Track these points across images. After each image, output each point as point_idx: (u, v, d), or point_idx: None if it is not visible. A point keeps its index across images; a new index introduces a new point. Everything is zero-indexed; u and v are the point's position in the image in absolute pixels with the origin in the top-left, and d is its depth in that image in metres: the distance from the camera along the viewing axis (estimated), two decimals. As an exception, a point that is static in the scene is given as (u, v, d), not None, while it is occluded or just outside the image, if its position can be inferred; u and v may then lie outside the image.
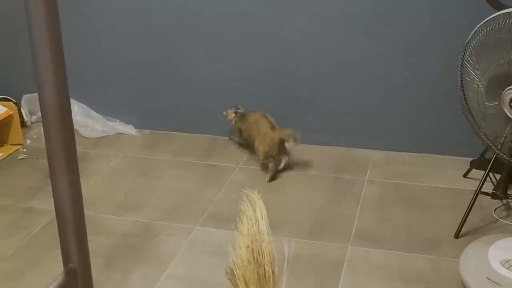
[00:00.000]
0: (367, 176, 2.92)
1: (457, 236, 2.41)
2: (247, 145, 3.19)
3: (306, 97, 3.18)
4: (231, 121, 3.18)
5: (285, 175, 2.96)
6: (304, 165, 3.05)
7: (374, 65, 3.02)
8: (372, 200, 2.72)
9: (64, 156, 0.86)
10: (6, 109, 3.20)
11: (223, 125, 3.28)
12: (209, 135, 3.38)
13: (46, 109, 0.81)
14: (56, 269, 2.19)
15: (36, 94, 2.93)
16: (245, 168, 3.04)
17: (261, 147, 2.96)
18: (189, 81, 3.32)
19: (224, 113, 3.20)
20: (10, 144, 3.24)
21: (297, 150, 3.19)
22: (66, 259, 0.89)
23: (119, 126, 3.45)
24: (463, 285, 2.11)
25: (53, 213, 2.52)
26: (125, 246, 2.43)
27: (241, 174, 2.99)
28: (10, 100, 3.39)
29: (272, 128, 2.97)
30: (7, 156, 3.17)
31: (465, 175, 2.88)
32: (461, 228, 2.40)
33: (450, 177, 2.88)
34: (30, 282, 2.22)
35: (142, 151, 3.26)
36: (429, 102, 3.02)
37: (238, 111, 3.16)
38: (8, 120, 3.20)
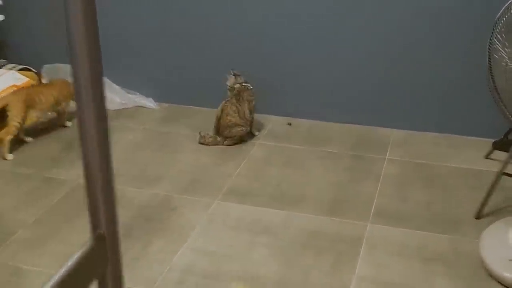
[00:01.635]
0: (387, 155, 2.90)
1: (477, 217, 2.39)
2: None
3: (328, 74, 3.15)
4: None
5: (304, 152, 2.94)
6: (323, 142, 3.03)
7: (398, 42, 2.98)
8: (392, 179, 2.70)
9: (96, 123, 0.85)
10: (27, 79, 3.21)
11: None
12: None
13: (78, 69, 0.80)
14: (76, 238, 2.22)
15: (57, 64, 2.91)
16: (264, 144, 3.03)
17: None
18: (211, 55, 3.30)
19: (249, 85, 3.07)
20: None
21: (316, 127, 3.17)
22: (95, 225, 0.89)
23: (138, 99, 3.45)
24: (483, 266, 2.10)
25: (74, 183, 2.55)
26: (145, 218, 2.44)
27: (259, 149, 2.99)
28: (31, 70, 3.40)
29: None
30: (28, 126, 3.18)
31: (486, 156, 2.84)
32: (482, 209, 2.38)
33: (472, 158, 2.85)
34: (50, 250, 2.25)
35: (161, 125, 3.26)
36: (453, 81, 2.97)
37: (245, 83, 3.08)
38: (29, 89, 3.21)
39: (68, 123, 3.20)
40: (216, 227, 2.38)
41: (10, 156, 2.90)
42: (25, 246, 2.28)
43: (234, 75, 3.06)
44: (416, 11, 2.90)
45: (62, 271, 0.81)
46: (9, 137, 2.89)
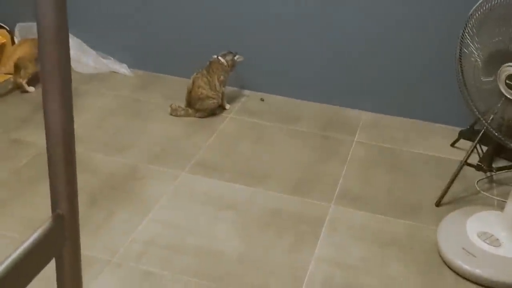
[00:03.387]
0: (356, 137, 2.94)
1: (437, 204, 2.45)
2: None
3: (303, 52, 3.16)
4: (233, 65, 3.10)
5: (274, 128, 2.97)
6: (294, 120, 3.06)
7: (373, 25, 3.00)
8: (358, 161, 2.75)
9: (59, 89, 0.84)
10: (-1, 36, 3.16)
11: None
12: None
13: (43, 29, 0.80)
14: (40, 202, 2.22)
15: (30, 23, 2.88)
16: (236, 119, 3.05)
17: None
18: (186, 24, 3.27)
19: (223, 60, 3.08)
20: (2, 74, 3.20)
21: (289, 104, 3.20)
22: (54, 204, 0.90)
23: (112, 64, 3.42)
24: (439, 253, 2.17)
25: (40, 147, 2.53)
26: (110, 187, 2.45)
27: (231, 124, 3.00)
28: (4, 28, 3.33)
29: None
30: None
31: (452, 145, 2.91)
32: (443, 197, 2.45)
33: (438, 145, 2.91)
34: (14, 213, 2.25)
35: (134, 92, 3.24)
36: (425, 68, 3.01)
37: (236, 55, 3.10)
38: (1, 48, 3.16)
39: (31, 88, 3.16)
40: (181, 200, 2.40)
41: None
42: (-12, 207, 2.28)
43: (225, 54, 3.07)
44: (395, -4, 2.91)
45: (20, 249, 0.83)
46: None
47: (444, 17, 2.87)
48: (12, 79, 3.08)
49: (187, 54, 3.33)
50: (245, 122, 3.02)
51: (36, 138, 2.70)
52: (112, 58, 3.43)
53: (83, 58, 3.38)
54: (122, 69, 3.41)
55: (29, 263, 0.84)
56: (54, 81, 0.83)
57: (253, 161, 2.69)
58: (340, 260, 2.13)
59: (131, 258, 2.07)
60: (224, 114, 3.08)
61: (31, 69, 3.08)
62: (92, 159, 2.60)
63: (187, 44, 3.30)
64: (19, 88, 3.10)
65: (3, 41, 3.16)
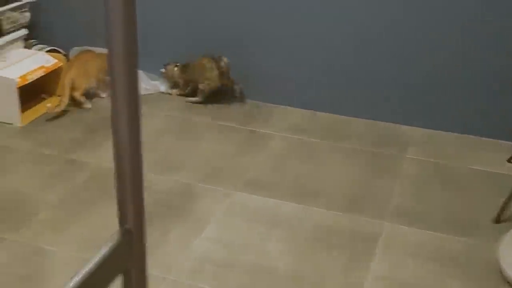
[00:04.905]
0: (407, 153, 2.90)
1: (496, 221, 2.39)
2: (192, 93, 3.39)
3: (352, 69, 3.15)
4: (173, 74, 3.39)
5: (323, 145, 2.96)
6: (344, 137, 3.04)
7: (421, 40, 2.97)
8: (411, 178, 2.71)
9: (128, 113, 0.87)
10: (55, 60, 3.25)
11: (268, 91, 3.29)
12: (251, 100, 3.38)
13: (113, 57, 0.82)
14: (98, 221, 2.26)
15: (85, 47, 2.96)
16: (286, 137, 3.05)
17: (208, 85, 3.28)
18: (234, 43, 3.31)
19: (163, 70, 3.41)
20: (58, 96, 3.29)
21: (337, 121, 3.18)
22: (122, 219, 0.92)
23: (162, 86, 3.48)
24: (500, 271, 2.10)
25: (97, 166, 2.58)
26: (164, 205, 2.48)
27: (280, 141, 3.01)
28: (60, 52, 3.44)
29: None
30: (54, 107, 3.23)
31: (509, 160, 2.83)
32: (502, 214, 2.38)
33: (494, 161, 2.84)
34: (72, 232, 2.30)
35: (183, 112, 3.29)
36: (477, 82, 2.96)
37: (177, 64, 3.37)
38: (56, 72, 3.26)
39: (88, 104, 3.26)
40: (233, 218, 2.41)
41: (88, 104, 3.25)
42: (48, 227, 2.33)
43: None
44: (441, 10, 2.88)
45: (88, 266, 0.83)
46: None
47: (496, 27, 2.82)
48: (63, 100, 3.16)
49: (235, 73, 3.35)
50: (294, 140, 3.02)
51: (91, 159, 2.76)
52: (160, 79, 3.49)
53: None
54: (171, 89, 3.46)
55: (98, 278, 0.85)
56: (123, 99, 0.85)
57: (304, 179, 2.69)
58: (397, 278, 2.09)
59: (186, 275, 2.08)
60: (273, 132, 3.09)
61: (85, 84, 3.22)
62: (146, 178, 2.63)
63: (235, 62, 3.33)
64: (77, 105, 3.22)
65: (59, 65, 3.26)
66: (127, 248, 0.93)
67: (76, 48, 3.51)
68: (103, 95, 3.33)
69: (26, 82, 3.03)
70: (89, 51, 3.33)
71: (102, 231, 2.25)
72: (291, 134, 3.07)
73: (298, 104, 3.31)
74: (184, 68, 3.37)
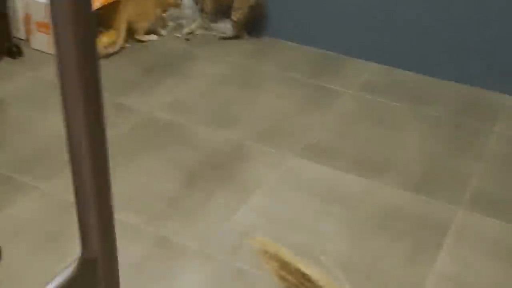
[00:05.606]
0: (496, 127, 2.51)
1: None
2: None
3: (439, 24, 2.74)
4: None
5: (400, 110, 2.61)
6: (425, 101, 2.67)
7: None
8: (498, 158, 2.34)
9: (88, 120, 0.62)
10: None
11: (342, 40, 2.95)
12: (323, 50, 3.04)
13: None
14: (140, 179, 2.06)
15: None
16: (357, 96, 2.72)
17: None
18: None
19: None
20: (115, 30, 3.08)
21: (419, 82, 2.81)
22: (84, 246, 0.67)
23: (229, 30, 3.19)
24: None
25: (143, 115, 2.35)
26: (211, 165, 2.24)
27: (350, 101, 2.68)
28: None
29: None
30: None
31: None
32: None
33: None
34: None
35: (247, 59, 3.00)
36: None
37: None
38: (114, 5, 3.03)
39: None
40: (285, 187, 2.14)
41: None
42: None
43: None
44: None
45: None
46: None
47: None
48: (118, 42, 2.96)
49: (307, 19, 3.01)
50: (367, 100, 2.68)
51: (139, 105, 2.55)
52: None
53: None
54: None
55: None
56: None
57: (372, 148, 2.37)
58: (466, 280, 1.79)
59: (224, 251, 1.86)
60: (343, 89, 2.76)
61: (144, 24, 3.05)
62: (195, 133, 2.40)
63: (307, 7, 2.99)
64: (138, 41, 3.06)
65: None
66: (88, 280, 0.69)
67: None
68: (163, 32, 3.11)
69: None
70: None
71: (143, 190, 2.05)
72: (363, 92, 2.73)
73: (374, 57, 2.94)
74: None
